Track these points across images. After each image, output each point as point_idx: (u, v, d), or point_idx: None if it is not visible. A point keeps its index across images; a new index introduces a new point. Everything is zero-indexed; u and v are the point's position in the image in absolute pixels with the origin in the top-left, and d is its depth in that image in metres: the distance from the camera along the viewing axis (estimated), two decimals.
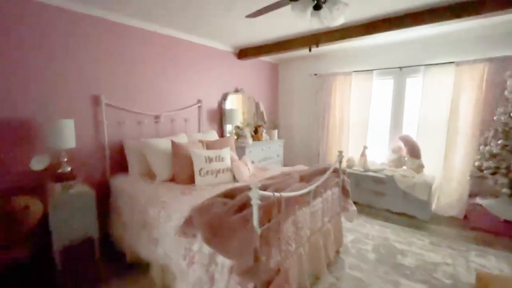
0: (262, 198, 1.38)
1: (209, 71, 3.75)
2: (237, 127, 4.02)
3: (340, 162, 2.45)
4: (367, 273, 2.21)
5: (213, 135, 3.43)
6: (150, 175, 2.63)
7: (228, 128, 4.02)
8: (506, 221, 2.82)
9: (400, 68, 3.75)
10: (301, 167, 2.75)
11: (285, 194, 1.55)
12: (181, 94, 3.42)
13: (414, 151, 3.49)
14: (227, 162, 2.61)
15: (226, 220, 1.44)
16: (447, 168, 3.42)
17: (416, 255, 2.47)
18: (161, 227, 1.86)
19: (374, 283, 2.08)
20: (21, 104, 2.15)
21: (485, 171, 2.96)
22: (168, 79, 3.25)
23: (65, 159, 2.24)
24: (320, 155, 4.54)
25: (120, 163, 2.77)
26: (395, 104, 3.91)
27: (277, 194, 1.51)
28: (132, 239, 2.17)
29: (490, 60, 3.08)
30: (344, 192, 2.49)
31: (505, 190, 2.77)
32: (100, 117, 2.63)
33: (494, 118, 2.97)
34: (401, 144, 3.67)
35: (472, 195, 3.25)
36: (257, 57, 4.09)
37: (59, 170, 2.22)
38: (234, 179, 2.56)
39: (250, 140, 3.93)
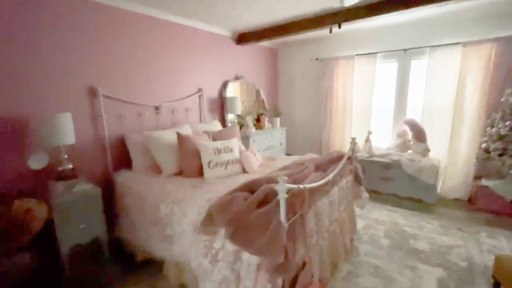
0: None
1: (208, 58, 3.57)
2: (239, 116, 3.90)
3: (353, 149, 2.38)
4: (383, 259, 2.20)
5: (217, 126, 3.31)
6: (155, 169, 2.52)
7: (229, 117, 3.89)
8: None
9: (405, 50, 3.66)
10: (311, 155, 2.68)
11: (308, 185, 1.48)
12: (181, 83, 3.25)
13: (420, 135, 3.47)
14: (236, 153, 2.51)
15: (250, 216, 1.37)
16: (452, 151, 3.42)
17: (428, 239, 2.48)
18: (175, 224, 1.78)
19: (392, 269, 2.08)
20: (13, 100, 1.98)
21: (492, 153, 2.97)
22: (168, 67, 3.07)
23: (66, 156, 2.10)
24: (323, 142, 4.49)
25: (122, 159, 2.64)
26: (399, 87, 3.85)
27: (301, 186, 1.44)
28: (143, 237, 2.08)
29: (497, 40, 3.02)
30: (357, 179, 2.45)
31: None
32: (98, 110, 2.47)
33: (502, 99, 2.94)
34: (407, 128, 3.64)
35: (476, 177, 3.28)
36: (258, 41, 3.91)
37: (60, 168, 2.09)
38: (244, 171, 2.48)
39: (253, 129, 3.82)
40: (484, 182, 3.11)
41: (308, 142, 4.73)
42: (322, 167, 2.09)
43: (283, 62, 4.92)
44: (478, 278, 1.96)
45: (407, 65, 3.73)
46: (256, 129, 4.03)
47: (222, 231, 1.46)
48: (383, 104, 4.02)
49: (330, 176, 1.80)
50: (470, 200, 3.30)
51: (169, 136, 2.57)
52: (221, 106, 3.86)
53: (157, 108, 2.99)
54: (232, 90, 3.97)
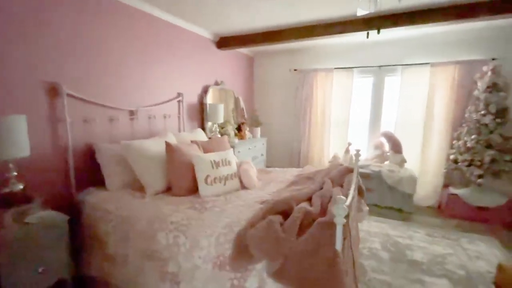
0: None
1: (189, 60, 3.23)
2: (220, 124, 3.61)
3: (357, 161, 2.33)
4: (390, 275, 2.15)
5: (200, 135, 2.96)
6: (136, 187, 2.08)
7: (208, 125, 3.56)
8: (479, 208, 3.16)
9: (379, 67, 3.88)
10: (311, 168, 2.55)
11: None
12: (160, 85, 2.84)
13: (396, 147, 3.66)
14: (234, 167, 2.23)
15: (296, 246, 1.13)
16: (424, 162, 3.69)
17: (422, 249, 2.53)
18: (182, 258, 1.41)
19: (403, 285, 2.03)
20: None
21: (459, 164, 3.27)
22: (145, 66, 2.65)
23: (15, 173, 1.56)
24: (302, 153, 4.45)
25: (89, 175, 2.12)
26: (374, 101, 4.05)
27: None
28: (129, 276, 1.63)
29: (459, 63, 3.39)
30: (360, 191, 2.39)
31: (480, 180, 3.09)
32: (60, 112, 1.94)
33: (466, 115, 3.29)
34: (383, 140, 3.82)
35: (445, 186, 3.57)
36: (240, 47, 3.72)
37: (6, 190, 1.53)
38: (242, 186, 2.21)
39: (236, 139, 3.56)
40: (452, 190, 3.40)
41: (287, 153, 4.65)
42: (336, 182, 1.96)
43: (260, 71, 4.81)
44: (479, 285, 2.02)
45: (382, 81, 3.96)
46: (238, 139, 3.78)
47: (256, 267, 1.18)
48: (360, 116, 4.18)
49: (355, 193, 1.68)
50: (439, 207, 3.57)
51: (154, 146, 2.16)
52: (200, 113, 3.51)
53: (132, 113, 2.53)
54: (213, 97, 3.66)
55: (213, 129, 3.50)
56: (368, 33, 2.91)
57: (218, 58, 3.80)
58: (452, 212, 3.33)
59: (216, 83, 3.75)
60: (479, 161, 3.08)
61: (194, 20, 3.01)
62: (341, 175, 2.06)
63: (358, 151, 2.32)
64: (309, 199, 1.57)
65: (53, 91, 1.90)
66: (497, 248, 2.58)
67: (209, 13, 2.78)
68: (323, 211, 1.41)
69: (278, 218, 1.29)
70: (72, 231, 1.69)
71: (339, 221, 1.07)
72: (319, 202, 1.50)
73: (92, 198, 1.90)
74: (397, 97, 3.83)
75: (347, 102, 4.12)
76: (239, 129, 3.87)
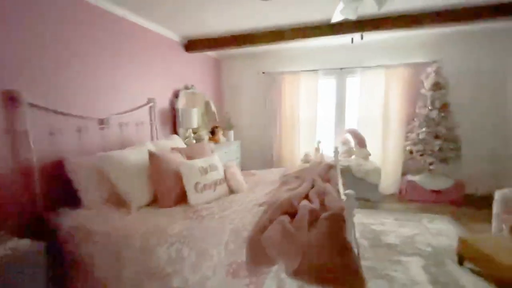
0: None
1: (158, 63, 3.08)
2: (194, 130, 3.51)
3: (337, 158, 2.48)
4: (373, 260, 2.33)
5: (178, 142, 2.83)
6: (116, 202, 1.91)
7: (181, 131, 3.43)
8: (432, 191, 3.61)
9: (341, 69, 4.19)
10: (292, 168, 2.63)
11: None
12: (130, 91, 2.66)
13: (361, 142, 3.98)
14: (221, 171, 2.20)
15: (310, 243, 1.17)
16: (384, 154, 4.08)
17: (394, 233, 2.80)
18: (188, 270, 1.35)
19: (386, 267, 2.22)
20: None
21: (414, 154, 3.70)
22: (114, 71, 2.46)
23: None
24: (274, 155, 4.55)
25: (59, 193, 1.88)
26: (338, 101, 4.35)
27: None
28: None
29: (408, 65, 3.84)
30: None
31: (431, 167, 3.54)
32: (21, 124, 1.69)
33: (416, 111, 3.74)
34: (349, 137, 4.12)
35: (403, 174, 4.00)
36: (210, 50, 3.67)
37: None
38: (230, 191, 2.19)
39: (211, 144, 3.49)
40: (409, 177, 3.82)
41: (260, 155, 4.70)
42: (324, 179, 2.06)
43: (228, 74, 4.79)
44: (445, 258, 2.32)
45: (344, 82, 4.28)
46: (213, 143, 3.71)
47: (273, 268, 1.19)
48: (326, 116, 4.44)
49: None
50: (400, 194, 3.99)
51: (134, 156, 2.02)
52: (172, 119, 3.36)
53: (102, 122, 2.32)
54: (184, 102, 3.54)
55: (187, 134, 3.38)
56: (352, 39, 3.10)
57: (187, 62, 3.69)
58: (411, 197, 3.74)
59: (186, 87, 3.63)
60: (430, 150, 3.53)
61: (163, 22, 2.89)
62: (325, 172, 2.18)
63: (336, 148, 2.48)
64: (306, 197, 1.63)
65: (11, 100, 1.65)
66: (451, 223, 2.98)
67: (183, 17, 2.70)
68: (324, 206, 1.48)
69: (287, 218, 1.32)
70: (48, 259, 1.48)
71: (350, 213, 1.15)
72: (317, 198, 1.57)
73: (69, 219, 1.69)
74: (358, 97, 4.17)
75: (314, 103, 4.35)
76: (212, 133, 3.80)
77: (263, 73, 4.49)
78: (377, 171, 3.67)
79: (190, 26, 3.07)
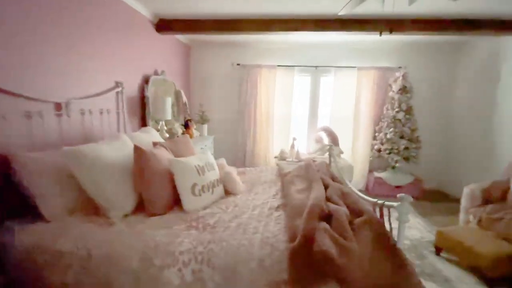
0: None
1: (126, 42, 2.58)
2: (167, 122, 3.09)
3: (330, 155, 2.44)
4: None
5: (155, 135, 2.42)
6: (88, 210, 1.50)
7: (151, 123, 2.98)
8: (396, 186, 3.92)
9: (316, 67, 4.22)
10: (284, 164, 2.50)
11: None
12: (93, 71, 2.15)
13: (335, 140, 4.08)
14: (217, 171, 1.93)
15: (364, 255, 1.04)
16: (354, 152, 4.27)
17: None
18: None
19: None
20: None
21: (381, 152, 3.95)
22: (75, 44, 1.94)
23: None
24: (247, 150, 4.36)
25: (2, 201, 1.37)
26: (312, 99, 4.38)
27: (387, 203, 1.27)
28: None
29: (377, 68, 4.07)
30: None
31: (397, 164, 3.83)
32: None
33: (384, 112, 3.99)
34: (323, 134, 4.18)
35: (370, 171, 4.26)
36: (186, 33, 3.28)
37: None
38: (226, 192, 1.94)
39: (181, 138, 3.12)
40: (376, 174, 4.08)
41: (231, 150, 4.44)
42: (331, 179, 1.97)
43: (199, 63, 4.39)
44: (423, 250, 2.49)
45: (318, 80, 4.32)
46: None
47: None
48: (300, 113, 4.44)
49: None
50: (367, 189, 4.23)
51: (111, 152, 1.61)
52: (141, 108, 2.89)
53: (59, 107, 1.80)
54: (151, 89, 3.07)
55: (159, 127, 2.94)
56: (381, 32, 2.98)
57: (157, 44, 3.22)
58: (378, 192, 4.00)
59: (156, 73, 3.17)
60: (396, 149, 3.81)
61: None
62: (327, 170, 2.10)
63: (330, 145, 2.43)
64: (328, 199, 1.50)
65: None
66: (417, 216, 3.26)
67: None
68: (352, 209, 1.37)
69: (327, 225, 1.16)
70: None
71: (404, 218, 1.06)
72: (340, 200, 1.46)
73: (26, 236, 1.23)
74: (331, 96, 4.27)
75: (289, 99, 4.29)
76: (186, 126, 3.42)
77: (238, 64, 4.24)
78: (349, 168, 3.80)
79: (165, 2, 2.64)
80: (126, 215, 1.52)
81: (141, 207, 1.60)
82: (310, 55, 4.21)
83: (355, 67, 4.09)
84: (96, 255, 1.18)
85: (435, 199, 3.84)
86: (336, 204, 1.41)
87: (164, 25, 3.14)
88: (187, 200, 1.63)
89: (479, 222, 2.38)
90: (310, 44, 4.07)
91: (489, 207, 2.39)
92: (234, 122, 4.42)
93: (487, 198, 2.51)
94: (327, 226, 1.15)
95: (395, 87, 3.86)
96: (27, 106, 1.56)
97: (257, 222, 1.36)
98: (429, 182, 4.12)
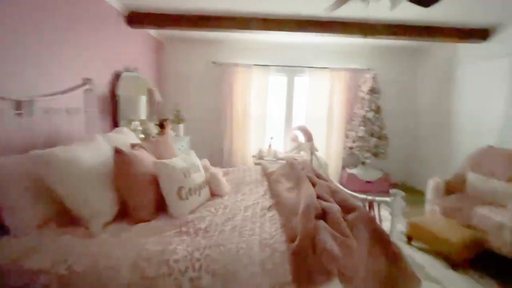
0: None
1: (94, 35, 2.38)
2: (142, 122, 2.91)
3: (312, 154, 2.49)
4: None
5: (129, 136, 2.26)
6: (62, 221, 1.35)
7: (122, 123, 2.79)
8: (367, 181, 4.15)
9: (291, 67, 4.29)
10: (267, 164, 2.50)
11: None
12: (58, 67, 1.95)
13: (310, 138, 4.18)
14: (203, 172, 1.86)
15: (362, 251, 1.08)
16: (328, 150, 4.43)
17: None
18: None
19: None
20: None
21: (353, 149, 4.15)
22: (35, 38, 1.73)
23: None
24: (225, 150, 4.29)
25: None
26: (287, 99, 4.45)
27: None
28: None
29: (347, 69, 4.27)
30: None
31: (368, 161, 4.05)
32: None
33: (355, 111, 4.20)
34: (298, 133, 4.27)
35: (342, 168, 4.45)
36: (158, 28, 3.12)
37: None
38: (212, 194, 1.89)
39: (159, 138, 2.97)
40: (349, 170, 4.28)
41: (207, 151, 4.33)
42: (317, 177, 2.01)
43: (172, 60, 4.21)
44: (398, 240, 2.67)
45: (292, 80, 4.40)
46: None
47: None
48: (275, 112, 4.48)
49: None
50: (341, 185, 4.41)
51: (87, 156, 1.46)
52: (112, 107, 2.68)
53: (19, 105, 1.60)
54: (122, 87, 2.87)
55: (132, 127, 2.76)
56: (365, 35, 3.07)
57: (128, 38, 3.01)
58: (351, 187, 4.16)
59: (128, 70, 2.96)
60: (367, 146, 4.03)
61: None
62: (311, 168, 2.14)
63: (312, 144, 2.48)
64: (318, 196, 1.53)
65: None
66: (386, 209, 3.48)
67: None
68: (343, 206, 1.41)
69: (325, 224, 1.18)
70: None
71: (397, 213, 1.11)
72: (331, 197, 1.50)
73: None
74: (306, 96, 4.38)
75: (265, 98, 4.31)
76: (161, 126, 3.25)
77: (214, 63, 4.15)
78: (325, 166, 3.94)
79: None
80: (107, 224, 1.39)
81: (122, 214, 1.48)
82: (286, 55, 4.26)
83: (328, 68, 4.24)
84: (79, 271, 1.06)
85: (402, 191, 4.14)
86: (327, 201, 1.44)
87: (136, 19, 2.95)
88: (174, 204, 1.54)
89: (443, 211, 2.61)
90: (285, 44, 4.13)
91: (451, 197, 2.63)
92: (210, 122, 4.32)
93: (449, 190, 2.76)
94: (325, 224, 1.16)
95: (365, 88, 4.07)
96: None
97: (252, 224, 1.34)
98: (396, 176, 4.43)
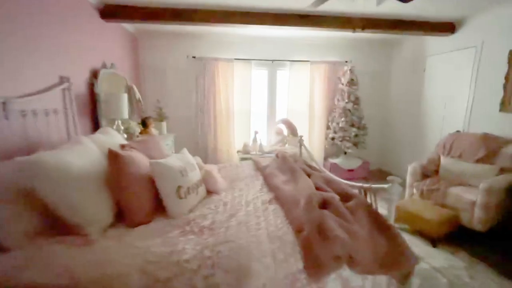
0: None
1: (69, 30, 2.21)
2: (125, 121, 2.78)
3: (301, 146, 2.55)
4: None
5: (115, 137, 2.15)
6: (53, 231, 1.27)
7: (103, 123, 2.66)
8: (348, 170, 4.34)
9: (272, 61, 4.32)
10: (259, 159, 2.53)
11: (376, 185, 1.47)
12: (32, 64, 1.79)
13: (294, 131, 4.27)
14: (198, 170, 1.84)
15: (364, 235, 1.15)
16: (311, 141, 4.55)
17: None
18: None
19: None
20: None
21: (335, 140, 4.31)
22: (6, 33, 1.57)
23: None
24: (209, 146, 4.24)
25: None
26: (269, 92, 4.48)
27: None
28: None
29: (327, 62, 4.38)
30: None
31: (349, 150, 4.23)
32: None
33: (335, 103, 4.34)
34: (282, 126, 4.33)
35: (325, 158, 4.61)
36: (134, 22, 2.97)
37: None
38: (207, 192, 1.88)
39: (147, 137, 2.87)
40: (331, 160, 4.44)
41: (192, 147, 4.23)
42: (310, 168, 2.07)
43: (148, 55, 4.04)
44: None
45: (274, 74, 4.43)
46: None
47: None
48: (258, 106, 4.50)
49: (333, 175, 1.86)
50: None
51: (76, 159, 1.38)
52: (91, 107, 2.54)
53: None
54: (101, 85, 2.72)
55: (114, 127, 2.63)
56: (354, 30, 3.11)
57: (102, 33, 2.84)
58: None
59: (105, 66, 2.80)
60: (348, 136, 4.20)
61: None
62: (302, 160, 2.20)
63: (301, 136, 2.54)
64: (316, 187, 1.58)
65: None
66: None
67: None
68: (341, 194, 1.48)
69: (329, 212, 1.23)
70: None
71: (395, 198, 1.19)
72: (328, 187, 1.56)
73: None
74: (287, 89, 4.43)
75: (248, 93, 4.31)
76: (144, 125, 3.13)
77: (194, 57, 4.04)
78: (309, 157, 4.05)
79: None
80: (106, 229, 1.33)
81: (119, 218, 1.42)
82: (267, 49, 4.27)
83: (308, 61, 4.32)
84: (84, 282, 1.01)
85: (380, 177, 4.39)
86: (325, 191, 1.50)
87: (110, 12, 2.78)
88: (173, 204, 1.52)
89: (421, 194, 2.82)
90: (266, 38, 4.13)
91: (427, 180, 2.85)
92: (192, 118, 4.24)
93: (424, 173, 2.98)
94: (328, 212, 1.22)
95: (344, 80, 4.22)
96: None
97: (256, 218, 1.36)
98: (373, 164, 4.68)
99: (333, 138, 4.34)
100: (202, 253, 1.11)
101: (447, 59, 3.55)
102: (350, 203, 1.34)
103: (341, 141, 4.25)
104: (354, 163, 4.37)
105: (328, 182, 1.65)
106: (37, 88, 1.81)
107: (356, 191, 1.55)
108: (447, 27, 3.35)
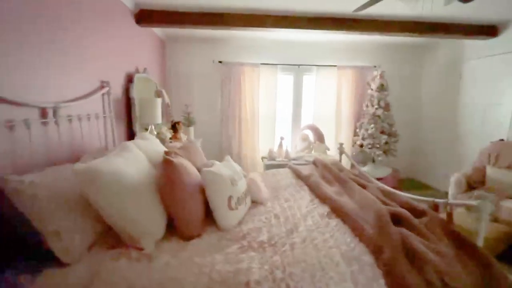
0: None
1: (107, 35, 2.19)
2: (158, 126, 2.74)
3: (341, 154, 2.43)
4: None
5: (154, 142, 2.09)
6: (103, 243, 1.20)
7: (137, 127, 2.62)
8: (377, 178, 4.14)
9: (299, 66, 4.23)
10: (296, 167, 2.42)
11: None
12: (76, 69, 1.76)
13: (320, 137, 4.15)
14: (244, 179, 1.75)
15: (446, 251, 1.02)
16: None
17: None
18: None
19: None
20: None
21: (364, 147, 4.15)
22: (53, 38, 1.55)
23: None
24: (234, 152, 4.17)
25: None
26: (295, 98, 4.39)
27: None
28: None
29: (354, 67, 4.26)
30: None
31: (380, 158, 4.06)
32: None
33: (364, 109, 4.20)
34: (309, 132, 4.22)
35: (352, 165, 4.44)
36: (168, 26, 2.96)
37: None
38: (251, 202, 1.78)
39: (178, 144, 2.82)
40: (360, 168, 4.27)
41: (216, 153, 4.19)
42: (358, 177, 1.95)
43: (175, 60, 4.03)
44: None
45: (301, 79, 4.34)
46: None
47: None
48: (283, 112, 4.41)
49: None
50: None
51: (128, 167, 1.31)
52: (127, 111, 2.51)
53: (44, 113, 1.42)
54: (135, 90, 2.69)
55: (148, 132, 2.59)
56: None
57: (137, 38, 2.83)
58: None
59: (137, 71, 2.78)
60: (378, 144, 4.04)
61: None
62: (348, 169, 2.08)
63: (341, 144, 2.42)
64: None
65: None
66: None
67: None
68: (409, 209, 1.35)
69: (407, 231, 1.11)
70: None
71: (484, 216, 1.06)
72: (391, 201, 1.43)
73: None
74: (313, 94, 4.33)
75: (273, 98, 4.23)
76: (174, 130, 3.09)
77: (220, 62, 4.01)
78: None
79: None
80: (159, 242, 1.25)
81: (171, 230, 1.34)
82: (293, 53, 4.19)
83: (335, 66, 4.21)
84: None
85: (412, 187, 4.19)
86: (388, 205, 1.38)
87: (145, 16, 2.77)
88: (223, 215, 1.43)
89: (468, 206, 2.63)
90: (292, 42, 4.05)
91: (474, 192, 2.66)
92: (217, 123, 4.18)
93: (469, 184, 2.80)
94: (408, 231, 1.10)
95: (374, 85, 4.08)
96: (7, 113, 1.18)
97: (321, 235, 1.24)
98: (403, 173, 4.49)
99: (361, 145, 4.18)
100: (273, 274, 1.01)
101: (488, 64, 3.37)
102: (423, 220, 1.21)
103: (370, 148, 4.09)
104: (383, 172, 4.19)
105: (387, 194, 1.53)
106: (81, 93, 1.77)
107: (424, 205, 1.42)
108: (489, 30, 3.19)
